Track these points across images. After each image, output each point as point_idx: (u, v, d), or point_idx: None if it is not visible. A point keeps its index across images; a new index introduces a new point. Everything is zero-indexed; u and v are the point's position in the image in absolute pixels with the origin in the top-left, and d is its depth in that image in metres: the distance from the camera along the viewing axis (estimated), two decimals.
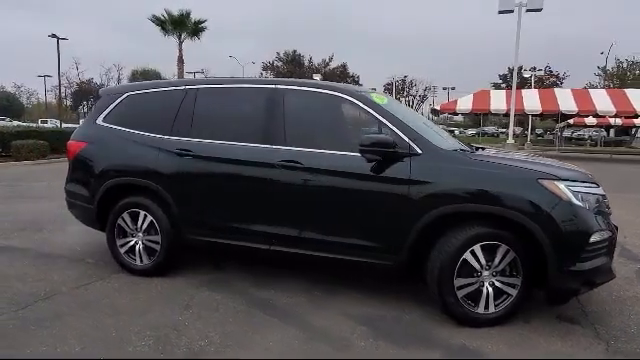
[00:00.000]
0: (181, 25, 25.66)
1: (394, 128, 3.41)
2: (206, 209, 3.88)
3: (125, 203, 4.11)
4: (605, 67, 41.75)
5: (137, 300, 3.63)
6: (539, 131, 50.49)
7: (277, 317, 3.36)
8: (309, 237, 3.57)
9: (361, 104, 3.58)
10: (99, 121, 4.37)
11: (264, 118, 3.76)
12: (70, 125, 34.65)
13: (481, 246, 3.15)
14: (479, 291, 3.20)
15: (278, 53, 55.92)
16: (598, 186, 3.34)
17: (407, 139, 3.35)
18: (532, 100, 22.73)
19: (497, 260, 3.18)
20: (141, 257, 4.12)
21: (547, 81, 47.87)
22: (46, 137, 17.52)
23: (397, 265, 3.38)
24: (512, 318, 3.28)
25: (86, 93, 69.51)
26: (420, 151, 3.32)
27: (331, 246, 3.52)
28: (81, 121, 35.47)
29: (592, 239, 3.04)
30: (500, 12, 18.12)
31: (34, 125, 30.67)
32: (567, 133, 42.84)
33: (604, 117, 26.49)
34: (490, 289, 3.20)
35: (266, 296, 3.74)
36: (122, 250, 4.18)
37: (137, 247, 4.13)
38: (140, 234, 4.13)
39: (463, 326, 3.21)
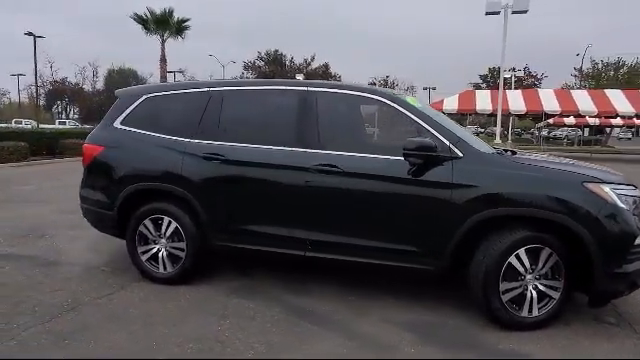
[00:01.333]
0: (164, 24, 25.15)
1: (434, 131, 3.37)
2: (237, 215, 3.77)
3: (147, 209, 3.96)
4: (581, 68, 42.98)
5: (167, 310, 3.50)
6: (517, 130, 51.52)
7: (318, 325, 3.28)
8: (347, 242, 3.50)
9: (398, 107, 3.53)
10: (117, 124, 4.20)
11: (296, 121, 3.68)
12: (47, 126, 33.64)
13: (525, 249, 3.14)
14: (523, 295, 3.19)
15: (259, 52, 55.46)
16: (635, 188, 3.38)
17: (447, 142, 3.32)
18: (517, 100, 23.15)
19: (540, 263, 3.17)
20: (164, 265, 3.98)
21: (525, 81, 48.87)
22: (26, 138, 16.92)
23: (439, 270, 3.34)
24: (553, 321, 3.28)
25: (60, 93, 67.65)
26: (461, 154, 3.29)
27: (370, 251, 3.46)
28: (57, 122, 34.49)
29: (637, 241, 3.06)
30: (487, 14, 18.39)
31: (13, 126, 29.65)
32: (544, 132, 43.76)
33: (583, 117, 27.16)
34: (534, 292, 3.19)
35: (301, 303, 3.65)
36: (144, 258, 4.03)
37: (160, 254, 3.99)
38: (163, 241, 3.99)
39: (507, 330, 3.19)
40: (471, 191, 3.20)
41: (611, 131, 42.06)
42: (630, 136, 56.58)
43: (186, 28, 25.97)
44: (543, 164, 3.37)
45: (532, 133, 47.34)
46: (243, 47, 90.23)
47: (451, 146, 3.31)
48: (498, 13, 18.04)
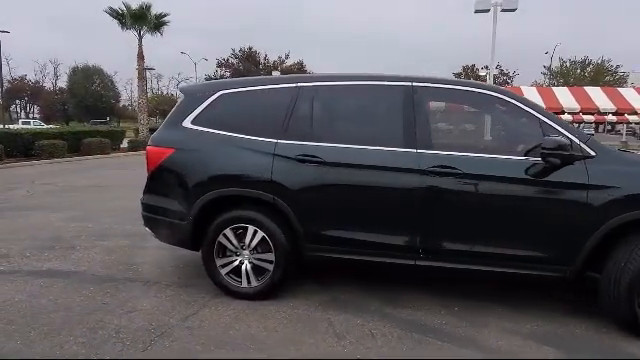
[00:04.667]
0: (141, 19, 24.00)
1: (562, 129, 3.16)
2: (336, 222, 3.43)
3: (229, 218, 3.57)
4: (550, 66, 44.31)
5: (271, 330, 3.14)
6: None
7: (446, 341, 3.01)
8: (465, 249, 3.24)
9: (520, 104, 3.28)
10: (186, 124, 3.77)
11: (403, 119, 3.37)
12: (10, 126, 31.74)
13: None
14: None
15: (233, 49, 54.30)
16: None
17: (578, 140, 3.11)
18: None
19: None
20: (248, 278, 3.61)
21: (498, 79, 49.91)
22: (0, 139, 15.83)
23: (570, 276, 3.13)
24: None
25: (19, 91, 64.36)
26: (593, 153, 3.09)
27: (492, 259, 3.21)
28: (20, 122, 32.40)
29: None
30: (476, 11, 18.55)
31: None
32: None
33: (561, 113, 27.84)
34: None
35: (409, 316, 3.37)
36: (223, 271, 3.65)
37: (243, 267, 3.61)
38: (246, 252, 3.61)
39: None
40: (610, 192, 2.99)
41: (578, 127, 43.55)
42: (593, 132, 58.98)
43: (164, 23, 24.90)
44: None
45: None
46: (213, 44, 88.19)
47: (581, 144, 3.10)
48: (487, 11, 18.20)
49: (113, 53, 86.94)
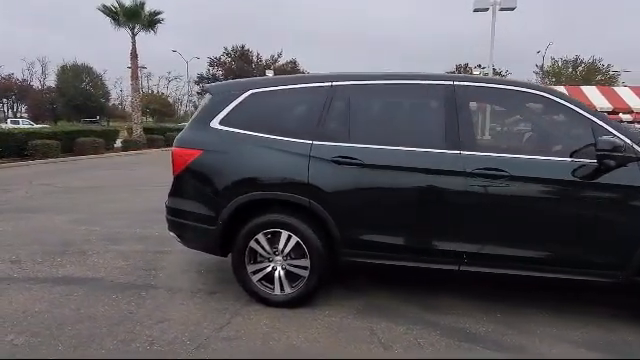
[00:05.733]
0: (135, 16, 23.61)
1: (613, 130, 3.05)
2: (378, 227, 3.29)
3: (262, 222, 3.42)
4: (542, 65, 44.63)
5: (312, 340, 3.00)
6: None
7: (497, 350, 2.90)
8: (514, 255, 3.12)
9: (568, 104, 3.18)
10: (214, 124, 3.60)
11: (444, 119, 3.24)
12: (2, 125, 31.16)
13: None
14: None
15: (226, 48, 53.76)
16: None
17: (630, 142, 3.01)
18: None
19: None
20: (282, 285, 3.47)
21: None
22: None
23: (624, 281, 3.03)
24: None
25: (6, 90, 63.22)
26: None
27: (542, 264, 3.10)
28: (9, 121, 31.68)
29: None
30: (475, 10, 18.57)
31: None
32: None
33: None
34: None
35: (453, 323, 3.25)
36: (255, 278, 3.50)
37: (276, 273, 3.47)
38: (279, 258, 3.47)
39: None
40: None
41: None
42: None
43: (158, 21, 24.48)
44: None
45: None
46: (203, 44, 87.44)
47: (634, 145, 3.00)
48: (486, 10, 18.22)
49: (102, 51, 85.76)
